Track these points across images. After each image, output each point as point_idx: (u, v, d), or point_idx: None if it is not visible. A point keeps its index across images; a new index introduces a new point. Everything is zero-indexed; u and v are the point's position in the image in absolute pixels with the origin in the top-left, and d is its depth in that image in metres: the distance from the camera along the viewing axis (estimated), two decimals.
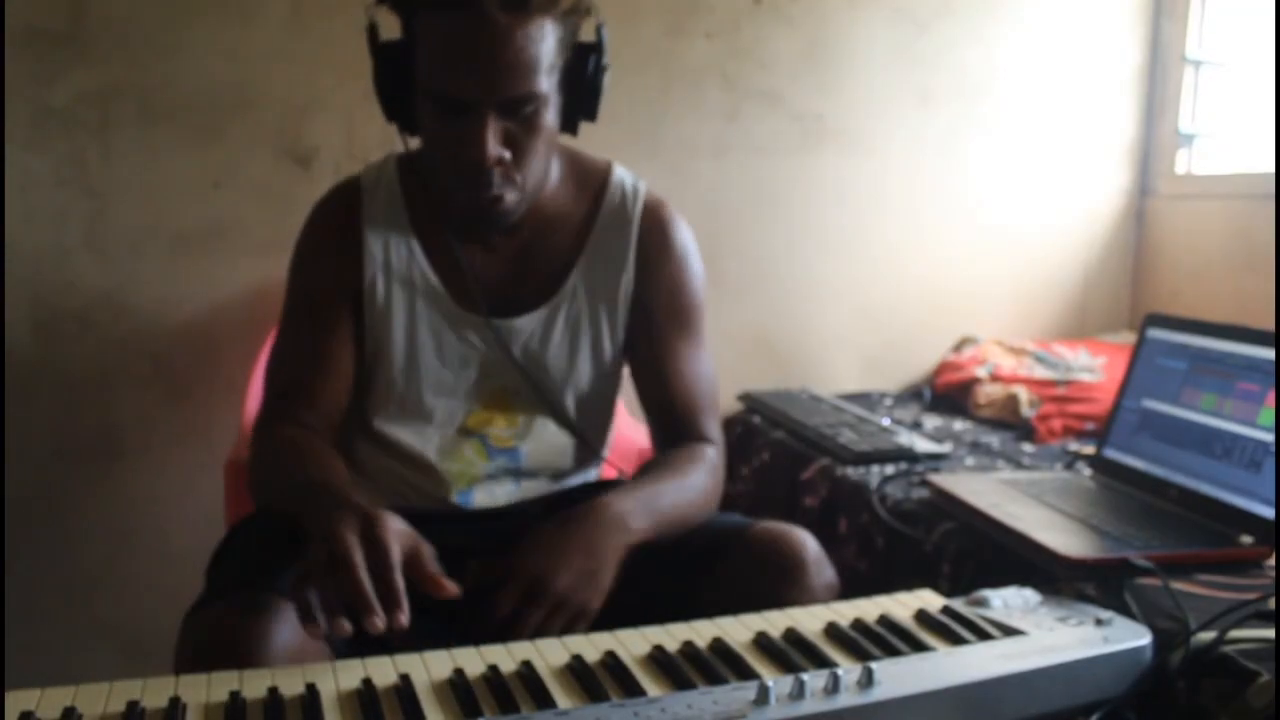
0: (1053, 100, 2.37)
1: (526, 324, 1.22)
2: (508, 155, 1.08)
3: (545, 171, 1.16)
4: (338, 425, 1.21)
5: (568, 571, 0.99)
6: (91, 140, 1.85)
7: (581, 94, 1.15)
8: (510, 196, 1.11)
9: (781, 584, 1.08)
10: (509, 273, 1.22)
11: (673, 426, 1.26)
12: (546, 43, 1.06)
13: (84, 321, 1.90)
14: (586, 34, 1.15)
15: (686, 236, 1.27)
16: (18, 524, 1.88)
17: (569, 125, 1.16)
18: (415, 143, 1.20)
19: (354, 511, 0.90)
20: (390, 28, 1.14)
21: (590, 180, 1.25)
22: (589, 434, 1.29)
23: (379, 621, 0.82)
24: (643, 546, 1.07)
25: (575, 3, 1.09)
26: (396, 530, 0.89)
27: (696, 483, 1.18)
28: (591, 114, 1.17)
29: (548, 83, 1.08)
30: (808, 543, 1.12)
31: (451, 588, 0.89)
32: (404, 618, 0.84)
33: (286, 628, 0.93)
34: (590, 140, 1.30)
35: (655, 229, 1.24)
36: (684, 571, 1.13)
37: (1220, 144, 2.36)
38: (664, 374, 1.25)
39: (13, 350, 1.86)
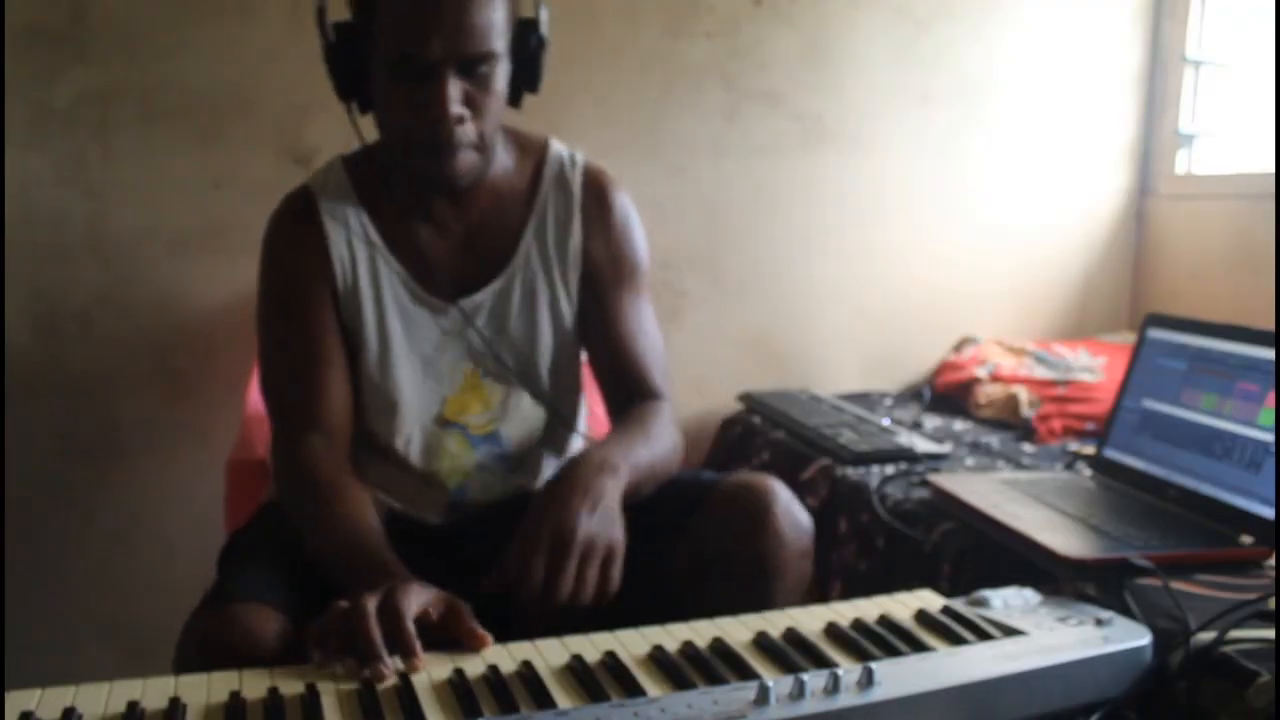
0: (1053, 100, 2.37)
1: (485, 297, 1.24)
2: (468, 114, 1.12)
3: (496, 136, 1.20)
4: (348, 433, 1.22)
5: (585, 515, 1.00)
6: (91, 140, 1.86)
7: (524, 67, 1.19)
8: (469, 157, 1.15)
9: (751, 531, 1.10)
10: (464, 250, 1.25)
11: (624, 384, 1.28)
12: (499, 7, 1.12)
13: (84, 321, 1.90)
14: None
15: (626, 200, 1.31)
16: (18, 523, 1.88)
17: (514, 98, 1.21)
18: (366, 127, 1.21)
19: (382, 583, 0.92)
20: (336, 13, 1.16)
21: (529, 152, 1.29)
22: (561, 402, 1.30)
23: (385, 669, 0.83)
24: (630, 490, 1.08)
25: None
26: (420, 593, 0.91)
27: (661, 436, 1.20)
28: (534, 86, 1.22)
29: (502, 45, 1.13)
30: (776, 490, 1.13)
31: (487, 639, 0.90)
32: (420, 662, 0.85)
33: (279, 636, 0.94)
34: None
35: (596, 192, 1.28)
36: (657, 531, 1.13)
37: (1220, 144, 2.36)
38: (613, 331, 1.28)
39: (13, 350, 1.86)
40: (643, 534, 1.11)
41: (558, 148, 1.30)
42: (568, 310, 1.28)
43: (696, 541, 1.14)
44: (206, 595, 1.03)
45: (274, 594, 1.00)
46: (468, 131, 1.13)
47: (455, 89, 1.10)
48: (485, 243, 1.25)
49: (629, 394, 1.27)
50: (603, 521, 1.01)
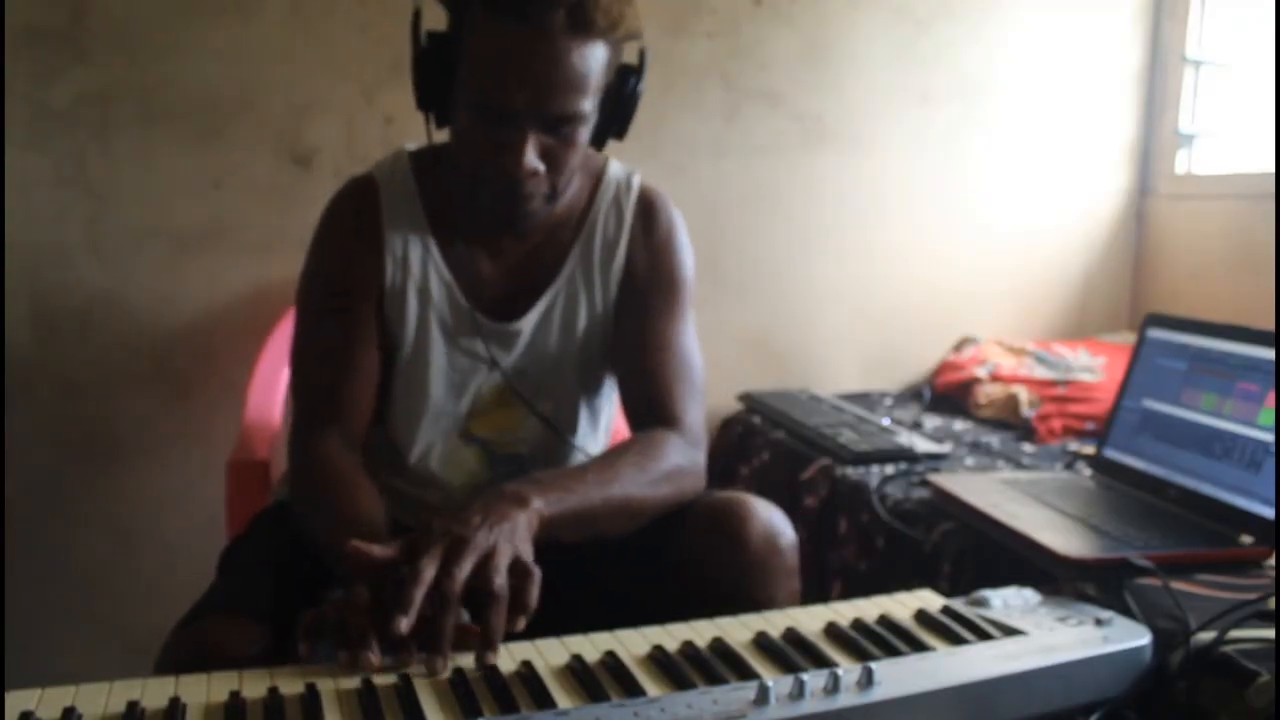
0: (1053, 100, 2.37)
1: (529, 320, 1.22)
2: (543, 168, 1.09)
3: (571, 183, 1.17)
4: (365, 430, 1.20)
5: (481, 521, 0.92)
6: (91, 140, 1.85)
7: (616, 113, 1.16)
8: (537, 204, 1.13)
9: (727, 558, 1.07)
10: (516, 274, 1.23)
11: (643, 404, 1.22)
12: (598, 64, 1.07)
13: (84, 321, 1.90)
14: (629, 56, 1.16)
15: (676, 218, 1.28)
16: (18, 524, 1.88)
17: (598, 142, 1.17)
18: (440, 135, 1.18)
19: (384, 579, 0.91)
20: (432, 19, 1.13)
21: (588, 173, 1.26)
22: (583, 424, 1.28)
23: (374, 659, 0.84)
24: (554, 526, 0.99)
25: (631, 29, 1.09)
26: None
27: (640, 469, 1.10)
28: (621, 133, 1.18)
29: (592, 103, 1.09)
30: (755, 507, 1.10)
31: (478, 631, 0.89)
32: (409, 656, 0.85)
33: (258, 648, 0.94)
34: None
35: (646, 210, 1.25)
36: (637, 553, 1.11)
37: (1220, 144, 2.36)
38: (639, 348, 1.23)
39: (13, 350, 1.86)
40: (620, 556, 1.09)
41: (616, 170, 1.27)
42: (604, 330, 1.25)
43: (676, 560, 1.10)
44: (193, 607, 1.03)
45: (261, 604, 0.99)
46: (541, 183, 1.10)
47: (534, 144, 1.07)
48: (535, 265, 1.23)
49: (645, 416, 1.21)
50: (501, 532, 0.92)
